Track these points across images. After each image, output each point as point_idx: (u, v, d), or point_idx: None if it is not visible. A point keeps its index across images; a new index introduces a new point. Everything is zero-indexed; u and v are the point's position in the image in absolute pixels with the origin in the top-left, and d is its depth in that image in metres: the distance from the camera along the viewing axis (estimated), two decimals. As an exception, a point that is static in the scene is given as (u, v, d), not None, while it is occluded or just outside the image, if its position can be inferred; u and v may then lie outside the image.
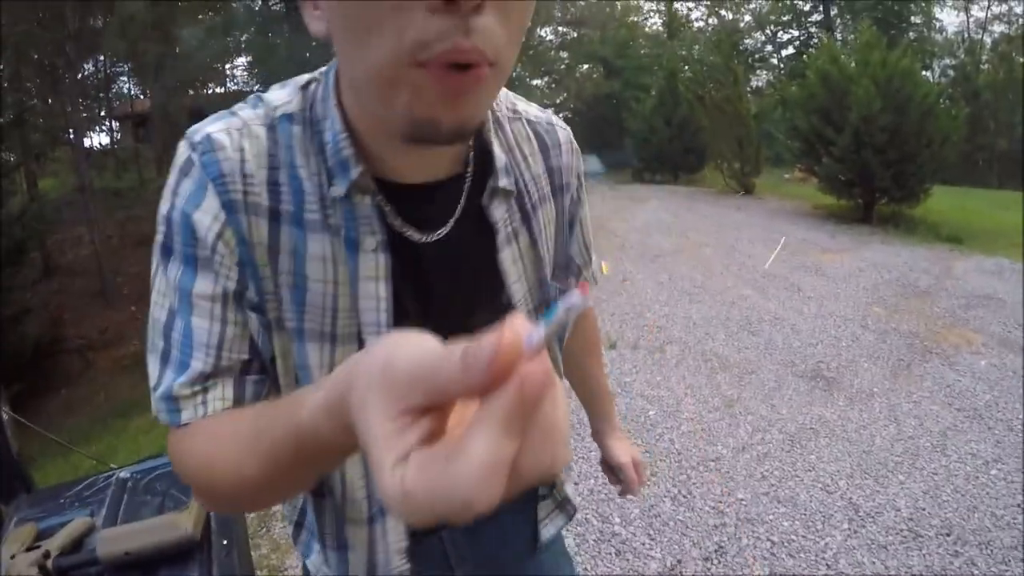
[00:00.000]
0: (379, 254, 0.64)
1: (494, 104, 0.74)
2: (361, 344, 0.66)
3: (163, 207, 0.61)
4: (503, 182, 0.70)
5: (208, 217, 0.59)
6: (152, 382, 0.63)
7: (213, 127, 0.62)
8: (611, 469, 1.13)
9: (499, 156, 0.70)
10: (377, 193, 0.63)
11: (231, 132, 0.62)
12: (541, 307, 0.76)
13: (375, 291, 0.65)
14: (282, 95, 0.66)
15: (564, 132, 0.81)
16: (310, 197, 0.63)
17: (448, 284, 0.70)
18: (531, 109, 0.80)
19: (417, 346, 0.31)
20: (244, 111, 0.64)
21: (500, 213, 0.71)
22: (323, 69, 0.66)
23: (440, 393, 0.29)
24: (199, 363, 0.60)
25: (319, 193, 0.62)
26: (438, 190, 0.67)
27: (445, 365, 0.28)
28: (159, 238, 0.62)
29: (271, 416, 0.50)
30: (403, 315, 0.66)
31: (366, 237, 0.63)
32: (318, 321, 0.64)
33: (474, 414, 0.28)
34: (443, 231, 0.67)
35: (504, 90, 0.74)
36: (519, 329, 0.28)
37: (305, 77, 0.67)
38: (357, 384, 0.33)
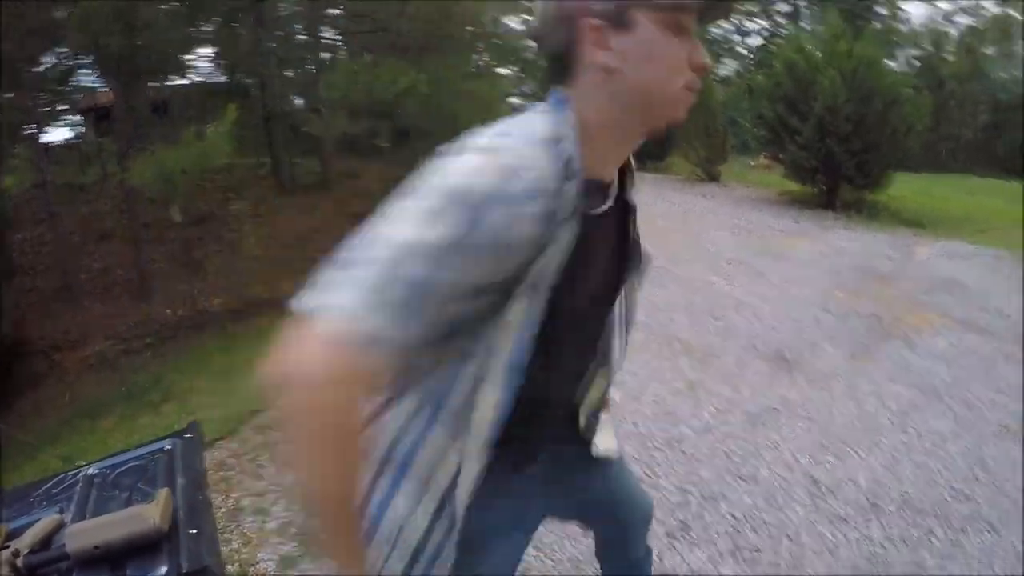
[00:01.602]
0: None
1: None
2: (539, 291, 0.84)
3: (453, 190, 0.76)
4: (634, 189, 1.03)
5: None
6: (346, 299, 0.71)
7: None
8: None
9: (633, 168, 1.02)
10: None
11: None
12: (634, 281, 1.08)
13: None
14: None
15: None
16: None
17: (601, 251, 0.96)
18: None
19: None
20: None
21: (635, 201, 1.03)
22: (542, 110, 0.86)
23: None
24: (402, 329, 0.73)
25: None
26: (609, 185, 0.95)
27: None
28: (437, 211, 0.74)
29: (354, 498, 0.81)
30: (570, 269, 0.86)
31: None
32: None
33: None
34: (604, 207, 0.93)
35: None
36: None
37: (542, 129, 0.82)
38: None
